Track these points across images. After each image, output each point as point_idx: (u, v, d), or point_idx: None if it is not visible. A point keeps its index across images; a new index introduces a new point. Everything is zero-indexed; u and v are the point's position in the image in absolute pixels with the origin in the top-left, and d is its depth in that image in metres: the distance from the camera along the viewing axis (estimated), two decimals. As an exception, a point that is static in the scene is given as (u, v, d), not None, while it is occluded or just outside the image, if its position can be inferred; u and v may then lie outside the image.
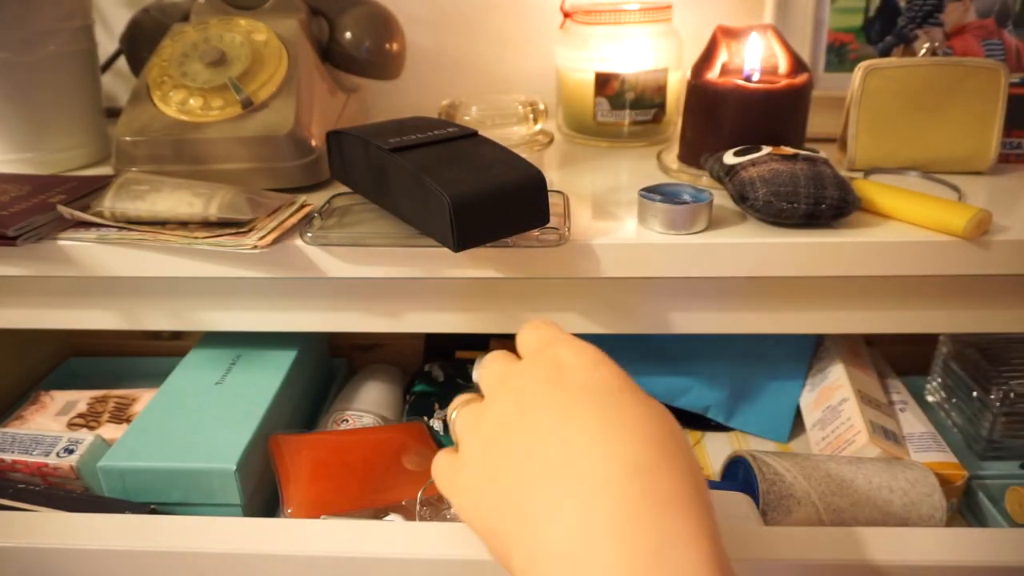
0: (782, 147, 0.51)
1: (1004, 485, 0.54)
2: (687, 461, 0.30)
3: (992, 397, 0.59)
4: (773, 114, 0.55)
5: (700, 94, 0.57)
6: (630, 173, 0.61)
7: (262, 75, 0.58)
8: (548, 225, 0.47)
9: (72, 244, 0.50)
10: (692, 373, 0.64)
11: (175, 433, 0.52)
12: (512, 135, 0.62)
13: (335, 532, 0.42)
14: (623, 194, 0.56)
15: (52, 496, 0.51)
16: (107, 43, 0.76)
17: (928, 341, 0.69)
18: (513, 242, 0.47)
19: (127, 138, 0.56)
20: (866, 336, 0.71)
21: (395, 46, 0.67)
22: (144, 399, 0.63)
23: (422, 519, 0.51)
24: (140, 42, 0.66)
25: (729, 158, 0.52)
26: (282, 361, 0.60)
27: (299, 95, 0.57)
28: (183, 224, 0.49)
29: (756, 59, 0.57)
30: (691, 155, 0.59)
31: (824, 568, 0.40)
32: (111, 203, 0.50)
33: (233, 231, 0.48)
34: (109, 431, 0.59)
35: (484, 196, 0.43)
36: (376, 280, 0.51)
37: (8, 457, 0.53)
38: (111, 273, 0.50)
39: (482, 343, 0.71)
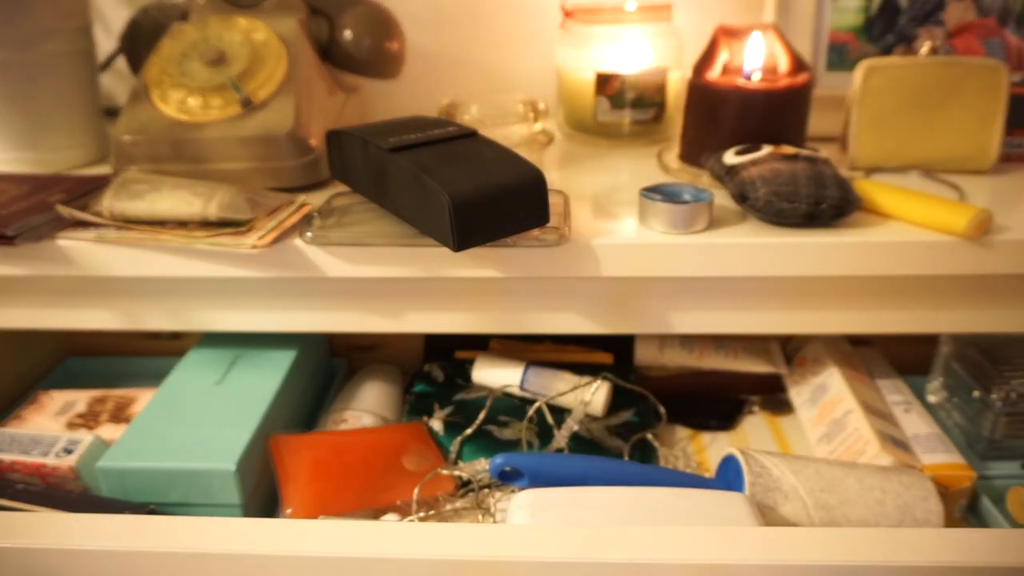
0: (783, 147, 0.51)
1: (1005, 485, 0.54)
2: None
3: (993, 397, 0.59)
4: (774, 113, 0.55)
5: (701, 94, 0.57)
6: (630, 173, 0.61)
7: (261, 74, 0.57)
8: (548, 225, 0.46)
9: (71, 244, 0.49)
10: None
11: (174, 433, 0.52)
12: (512, 135, 0.61)
13: (334, 532, 0.42)
14: (623, 194, 0.56)
15: (51, 496, 0.50)
16: (106, 43, 0.76)
17: (929, 341, 0.68)
18: (513, 242, 0.47)
19: (126, 137, 0.55)
20: (867, 336, 0.71)
21: (395, 46, 0.66)
22: (143, 399, 0.62)
23: (419, 519, 0.51)
24: (139, 41, 0.66)
25: (730, 158, 0.52)
26: (282, 361, 0.60)
27: (299, 95, 0.57)
28: (182, 224, 0.49)
29: (757, 59, 0.57)
30: (692, 155, 0.59)
31: (823, 569, 0.40)
32: (110, 203, 0.50)
33: (232, 231, 0.48)
34: (108, 431, 0.58)
35: (484, 196, 0.43)
36: (376, 280, 0.51)
37: (7, 457, 0.53)
38: (110, 273, 0.50)
39: (482, 343, 0.71)
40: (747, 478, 0.49)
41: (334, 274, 0.49)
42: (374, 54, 0.65)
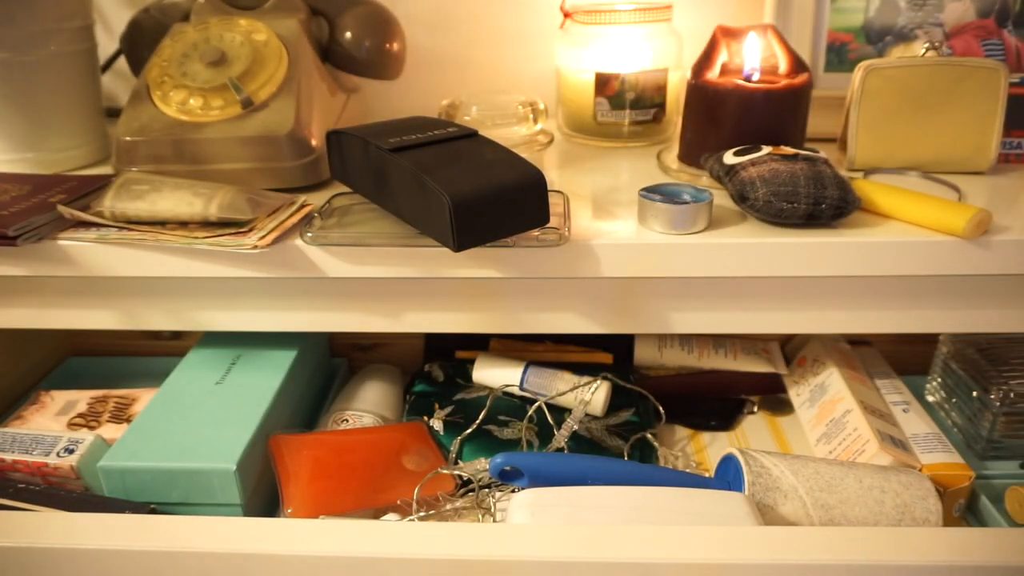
0: (782, 147, 0.51)
1: (1004, 485, 0.54)
2: None
3: (992, 397, 0.59)
4: (773, 114, 0.55)
5: (700, 94, 0.57)
6: (630, 173, 0.62)
7: (262, 75, 0.58)
8: (548, 225, 0.47)
9: (72, 244, 0.50)
10: None
11: (175, 433, 0.52)
12: (512, 135, 0.62)
13: (335, 532, 0.43)
14: (623, 194, 0.56)
15: (52, 496, 0.51)
16: (107, 43, 0.76)
17: (928, 341, 0.69)
18: (513, 242, 0.47)
19: (127, 138, 0.56)
20: (866, 336, 0.71)
21: (395, 46, 0.67)
22: (144, 399, 0.63)
23: (419, 519, 0.51)
24: (140, 42, 0.66)
25: (729, 158, 0.52)
26: (282, 361, 0.60)
27: (299, 95, 0.57)
28: (183, 224, 0.49)
29: (756, 59, 0.57)
30: (691, 155, 0.59)
31: (823, 568, 0.40)
32: (111, 203, 0.50)
33: (233, 231, 0.48)
34: (109, 431, 0.59)
35: (484, 196, 0.43)
36: (376, 280, 0.51)
37: (8, 457, 0.53)
38: (111, 273, 0.50)
39: (482, 343, 0.71)
40: (747, 478, 0.49)
41: (334, 274, 0.50)
42: (374, 55, 0.65)
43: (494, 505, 0.52)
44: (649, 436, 0.60)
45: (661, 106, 0.68)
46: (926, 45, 0.58)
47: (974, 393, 0.61)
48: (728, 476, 0.52)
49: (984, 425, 0.60)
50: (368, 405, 0.64)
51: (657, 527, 0.42)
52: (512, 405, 0.62)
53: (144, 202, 0.50)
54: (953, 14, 0.66)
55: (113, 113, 0.65)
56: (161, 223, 0.50)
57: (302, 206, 0.52)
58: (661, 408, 0.63)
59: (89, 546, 0.42)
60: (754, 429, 0.65)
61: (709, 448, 0.63)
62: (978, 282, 0.50)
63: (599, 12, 0.65)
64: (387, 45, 0.66)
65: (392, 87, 0.76)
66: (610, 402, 0.61)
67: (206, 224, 0.49)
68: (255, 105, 0.56)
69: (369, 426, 0.61)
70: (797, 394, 0.66)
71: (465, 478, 0.55)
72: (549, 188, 0.46)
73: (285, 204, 0.52)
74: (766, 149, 0.51)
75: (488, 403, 0.61)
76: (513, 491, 0.53)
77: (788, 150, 0.51)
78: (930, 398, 0.68)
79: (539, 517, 0.45)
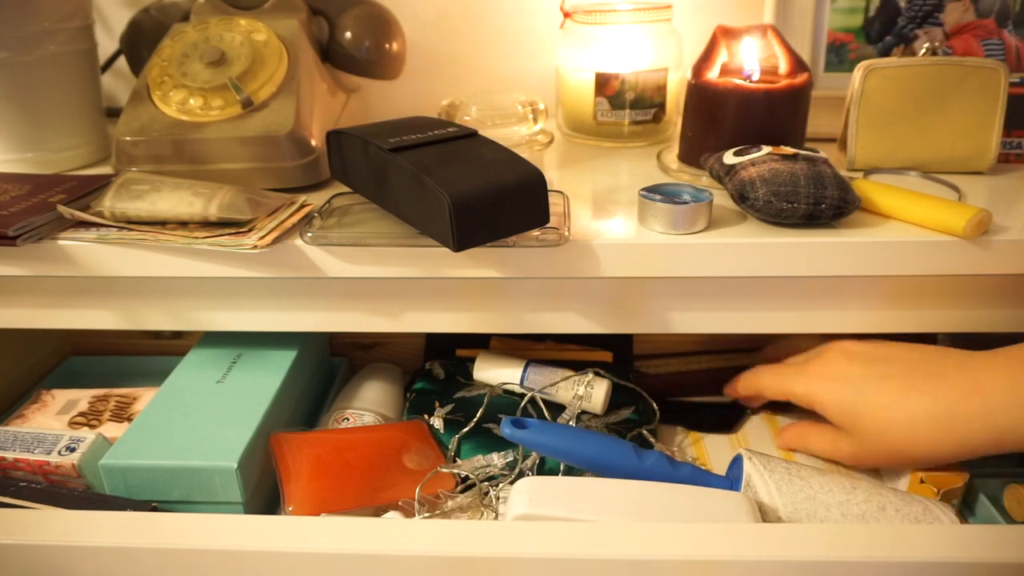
0: (782, 147, 0.51)
1: (1003, 483, 0.54)
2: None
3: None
4: (773, 114, 0.55)
5: (700, 94, 0.57)
6: (630, 173, 0.62)
7: (262, 75, 0.58)
8: (548, 225, 0.47)
9: (72, 244, 0.50)
10: None
11: (176, 431, 0.52)
12: (512, 135, 0.62)
13: (335, 529, 0.43)
14: (623, 194, 0.56)
15: (54, 494, 0.51)
16: (107, 43, 0.76)
17: (928, 341, 0.68)
18: (513, 242, 0.48)
19: (127, 138, 0.56)
20: (866, 336, 0.71)
21: (395, 46, 0.67)
22: (145, 398, 0.63)
23: (422, 518, 0.51)
24: (140, 42, 0.66)
25: (729, 158, 0.52)
26: (283, 360, 0.60)
27: (299, 95, 0.57)
28: (183, 224, 0.50)
29: (756, 59, 0.57)
30: (691, 155, 0.59)
31: (824, 567, 0.40)
32: (111, 203, 0.50)
33: (233, 231, 0.48)
34: (110, 430, 0.59)
35: (484, 196, 0.43)
36: (376, 280, 0.51)
37: (10, 455, 0.53)
38: (111, 273, 0.51)
39: (483, 341, 0.71)
40: (743, 483, 0.49)
41: (334, 274, 0.50)
42: (374, 54, 0.65)
43: (494, 500, 0.53)
44: (646, 432, 0.60)
45: (661, 106, 0.68)
46: (926, 45, 0.58)
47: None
48: (733, 475, 0.52)
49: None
50: (369, 404, 0.64)
51: (655, 524, 0.42)
52: (512, 403, 0.62)
53: (144, 202, 0.50)
54: (953, 14, 0.66)
55: (113, 113, 0.65)
56: (161, 223, 0.50)
57: (302, 206, 0.52)
58: (656, 405, 0.63)
59: (90, 544, 0.42)
60: (755, 429, 0.65)
61: (708, 447, 0.63)
62: (978, 282, 0.50)
63: (599, 12, 0.65)
64: (387, 45, 0.66)
65: (392, 87, 0.76)
66: (611, 400, 0.61)
67: (206, 224, 0.49)
68: (255, 105, 0.56)
69: (370, 425, 0.61)
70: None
71: (464, 475, 0.55)
72: (549, 188, 0.46)
73: (285, 204, 0.52)
74: (766, 149, 0.51)
75: (485, 400, 0.61)
76: (511, 482, 0.53)
77: (788, 150, 0.51)
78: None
79: (537, 504, 0.45)
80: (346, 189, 0.54)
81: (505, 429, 0.51)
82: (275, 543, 0.42)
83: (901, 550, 0.40)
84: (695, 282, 0.51)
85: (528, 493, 0.46)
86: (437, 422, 0.61)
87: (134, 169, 0.55)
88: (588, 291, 0.51)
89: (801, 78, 0.55)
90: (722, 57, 0.58)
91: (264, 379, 0.58)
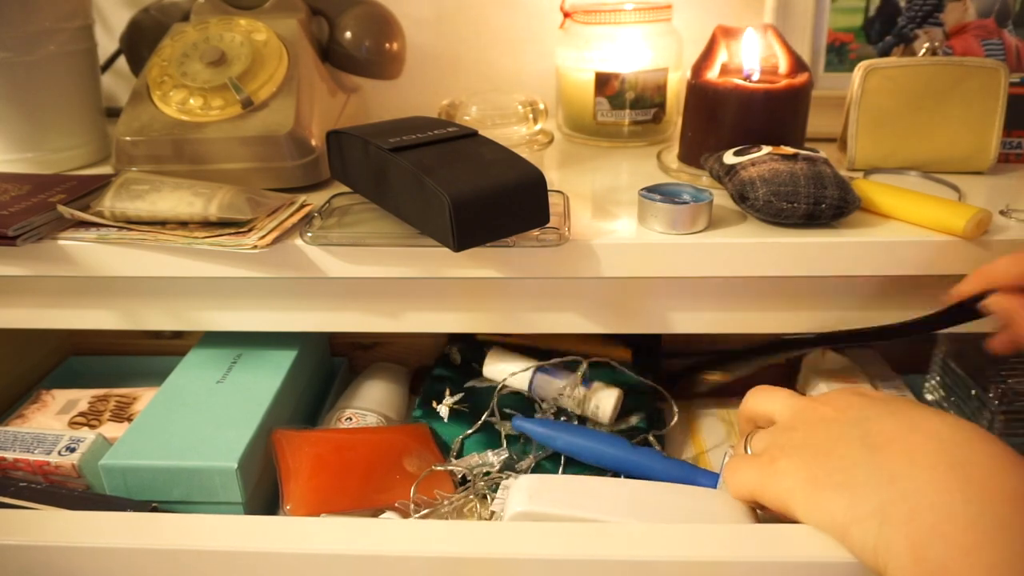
0: (782, 147, 0.51)
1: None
2: None
3: (991, 395, 0.59)
4: (773, 114, 0.55)
5: (700, 94, 0.57)
6: (630, 173, 0.62)
7: (262, 75, 0.58)
8: (548, 225, 0.47)
9: (72, 244, 0.50)
10: None
11: (176, 432, 0.52)
12: (512, 135, 0.62)
13: (335, 529, 0.43)
14: (623, 194, 0.56)
15: (53, 494, 0.51)
16: (107, 43, 0.76)
17: (926, 340, 0.69)
18: (513, 242, 0.48)
19: (127, 138, 0.56)
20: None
21: (395, 46, 0.67)
22: (145, 398, 0.63)
23: (418, 517, 0.51)
24: (140, 42, 0.66)
25: (729, 158, 0.52)
26: (283, 360, 0.60)
27: (299, 95, 0.57)
28: (183, 224, 0.50)
29: (756, 59, 0.57)
30: (691, 155, 0.59)
31: (823, 567, 0.40)
32: (111, 203, 0.50)
33: (233, 231, 0.48)
34: (110, 430, 0.59)
35: (484, 196, 0.43)
36: (376, 280, 0.51)
37: (10, 455, 0.53)
38: (111, 273, 0.51)
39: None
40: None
41: (334, 274, 0.50)
42: (374, 54, 0.65)
43: (491, 499, 0.53)
44: (651, 439, 0.60)
45: (661, 106, 0.68)
46: (926, 45, 0.58)
47: (973, 392, 0.61)
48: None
49: (983, 423, 0.60)
50: (372, 404, 0.64)
51: (655, 525, 0.42)
52: (520, 400, 0.62)
53: (144, 202, 0.50)
54: (953, 14, 0.66)
55: (113, 113, 0.65)
56: (161, 223, 0.50)
57: (302, 206, 0.52)
58: (675, 407, 0.61)
59: (90, 544, 0.42)
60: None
61: (709, 453, 0.63)
62: (977, 282, 0.50)
63: (599, 12, 0.65)
64: (387, 45, 0.66)
65: (392, 87, 0.76)
66: (619, 409, 0.60)
67: (206, 224, 0.49)
68: (255, 105, 0.56)
69: (372, 425, 0.61)
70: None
71: (462, 474, 0.55)
72: (549, 188, 0.46)
73: (285, 204, 0.52)
74: (766, 149, 0.51)
75: (493, 402, 0.61)
76: (508, 476, 0.54)
77: (788, 150, 0.51)
78: (929, 397, 0.68)
79: (536, 501, 0.45)
80: (346, 189, 0.54)
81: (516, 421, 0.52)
82: (275, 544, 0.42)
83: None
84: (695, 282, 0.51)
85: (528, 490, 0.46)
86: (443, 410, 0.61)
87: (134, 169, 0.55)
88: (588, 291, 0.51)
89: (801, 78, 0.55)
90: (722, 57, 0.58)
91: (264, 379, 0.58)
